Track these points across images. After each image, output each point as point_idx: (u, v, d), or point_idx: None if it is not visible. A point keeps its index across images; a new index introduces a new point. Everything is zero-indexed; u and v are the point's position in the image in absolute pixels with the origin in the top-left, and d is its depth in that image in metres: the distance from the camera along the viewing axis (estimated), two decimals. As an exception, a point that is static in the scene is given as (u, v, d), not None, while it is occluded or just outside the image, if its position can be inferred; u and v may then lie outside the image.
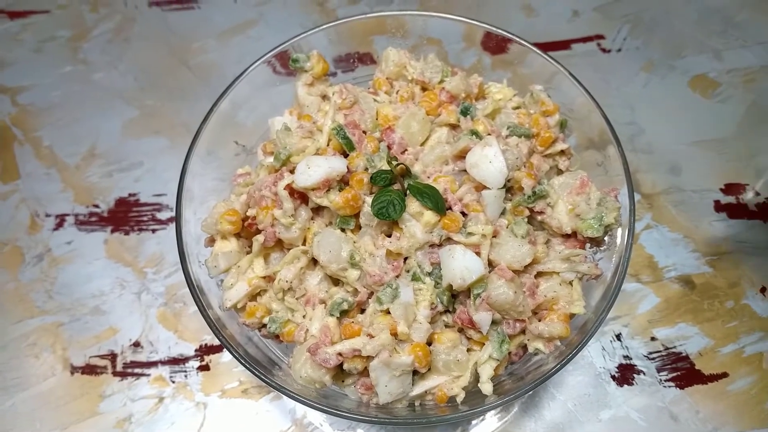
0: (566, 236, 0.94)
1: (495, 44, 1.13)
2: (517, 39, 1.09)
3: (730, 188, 1.34)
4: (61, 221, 1.33)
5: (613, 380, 1.14)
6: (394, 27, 1.16)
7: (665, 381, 1.14)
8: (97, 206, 1.35)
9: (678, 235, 1.28)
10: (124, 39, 1.59)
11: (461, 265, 0.82)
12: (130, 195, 1.36)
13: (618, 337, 1.18)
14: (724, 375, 1.14)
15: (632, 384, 1.14)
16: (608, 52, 1.54)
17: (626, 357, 1.16)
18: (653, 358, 1.16)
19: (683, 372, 1.14)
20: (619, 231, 0.92)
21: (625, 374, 1.14)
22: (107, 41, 1.59)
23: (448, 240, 0.86)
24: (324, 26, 1.11)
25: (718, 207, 1.31)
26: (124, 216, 1.33)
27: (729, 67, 1.51)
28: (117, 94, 1.50)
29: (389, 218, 0.85)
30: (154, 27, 1.61)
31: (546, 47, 1.51)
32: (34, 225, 1.33)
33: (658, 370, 1.15)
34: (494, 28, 1.11)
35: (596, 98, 1.01)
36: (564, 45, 1.55)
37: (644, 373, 1.14)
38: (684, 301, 1.21)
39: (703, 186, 1.34)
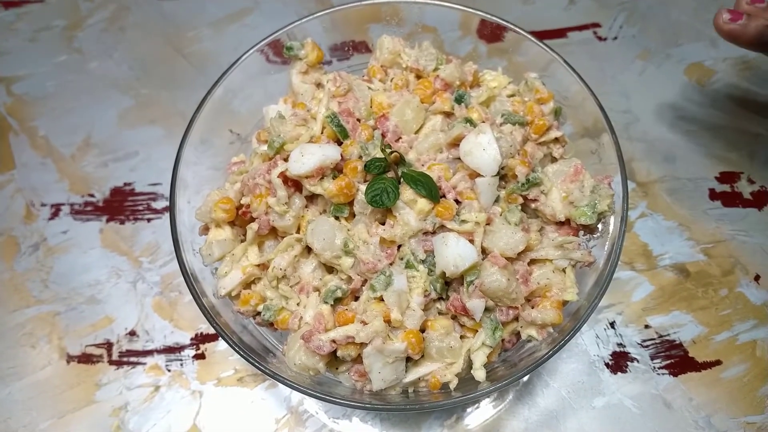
0: (560, 224, 0.94)
1: (490, 32, 1.13)
2: (513, 27, 1.09)
3: (725, 176, 1.33)
4: (56, 211, 1.33)
5: (607, 368, 1.14)
6: (389, 15, 1.15)
7: (659, 368, 1.14)
8: (92, 196, 1.35)
9: (673, 224, 1.28)
10: (119, 28, 1.59)
11: (454, 252, 0.82)
12: (125, 184, 1.36)
13: (612, 324, 1.18)
14: (718, 362, 1.15)
15: (626, 371, 1.14)
16: (604, 41, 1.54)
17: (620, 345, 1.16)
18: (647, 346, 1.16)
19: (677, 360, 1.15)
20: (613, 218, 0.92)
21: (619, 362, 1.15)
22: (102, 30, 1.59)
23: (442, 227, 0.87)
24: (318, 14, 1.11)
25: (713, 195, 1.32)
26: (120, 205, 1.33)
27: (725, 56, 1.50)
28: (112, 84, 1.50)
29: (383, 206, 0.85)
30: (149, 16, 1.61)
31: (542, 35, 1.51)
32: (29, 215, 1.33)
33: (652, 358, 1.15)
34: (490, 16, 1.10)
35: (592, 86, 1.01)
36: (560, 33, 1.55)
37: (638, 361, 1.15)
38: (678, 289, 1.22)
39: (698, 174, 1.34)
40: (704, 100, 1.43)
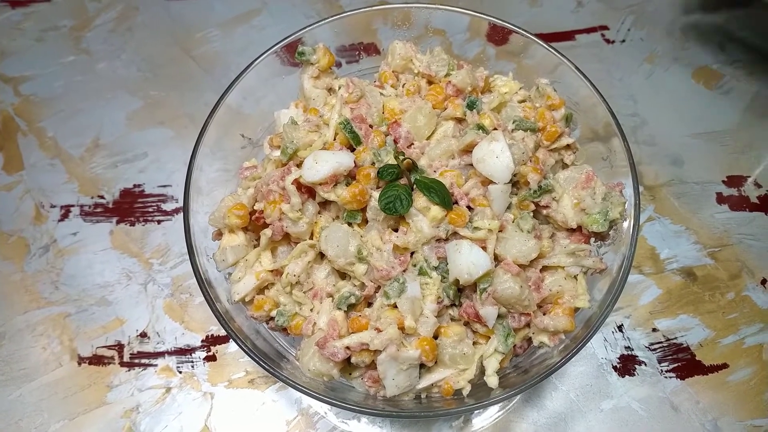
0: (571, 230, 0.94)
1: (499, 35, 1.13)
2: (521, 31, 1.09)
3: (732, 180, 1.34)
4: (66, 212, 1.33)
5: (615, 371, 1.15)
6: (399, 18, 1.16)
7: (666, 372, 1.15)
8: (102, 197, 1.35)
9: (680, 227, 1.29)
10: (126, 28, 1.59)
11: (468, 259, 0.82)
12: (134, 186, 1.36)
13: (620, 328, 1.19)
14: (725, 366, 1.16)
15: (633, 374, 1.15)
16: (612, 43, 1.54)
17: (628, 348, 1.17)
18: (654, 349, 1.17)
19: (684, 363, 1.16)
20: (624, 225, 0.93)
21: (627, 365, 1.16)
22: (109, 31, 1.59)
23: (455, 235, 0.87)
24: (330, 19, 1.11)
25: (720, 199, 1.32)
26: (130, 207, 1.34)
27: (732, 59, 1.51)
28: (120, 85, 1.50)
29: (396, 213, 0.85)
30: (157, 16, 1.61)
31: (550, 38, 1.51)
32: (39, 216, 1.33)
33: (659, 361, 1.16)
34: (498, 20, 1.10)
35: (599, 89, 1.01)
36: (568, 36, 1.55)
37: (645, 364, 1.16)
38: (685, 292, 1.22)
39: (706, 178, 1.35)
40: (711, 104, 1.43)
